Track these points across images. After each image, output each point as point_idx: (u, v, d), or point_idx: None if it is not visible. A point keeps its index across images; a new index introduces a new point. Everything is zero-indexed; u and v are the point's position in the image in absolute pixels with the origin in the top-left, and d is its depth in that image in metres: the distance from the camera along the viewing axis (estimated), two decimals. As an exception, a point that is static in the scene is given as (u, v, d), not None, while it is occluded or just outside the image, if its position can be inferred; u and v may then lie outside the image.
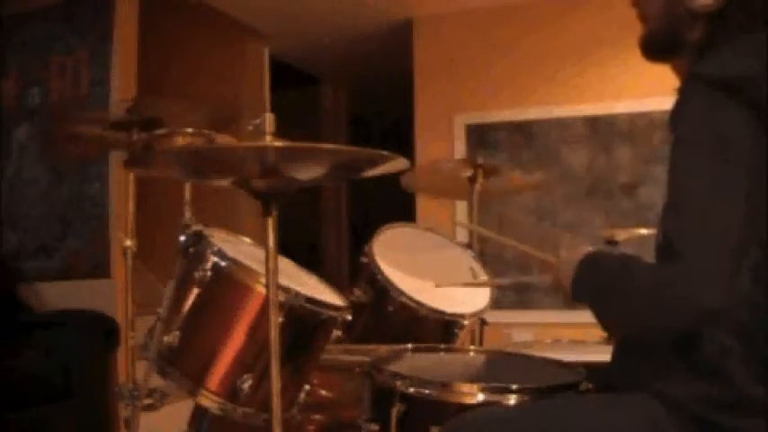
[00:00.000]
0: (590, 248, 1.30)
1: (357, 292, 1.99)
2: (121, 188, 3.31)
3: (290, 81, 5.37)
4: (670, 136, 1.17)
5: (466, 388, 1.32)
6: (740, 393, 1.09)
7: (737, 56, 1.15)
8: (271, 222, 1.34)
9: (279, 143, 1.27)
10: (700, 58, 1.22)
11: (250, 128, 1.31)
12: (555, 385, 1.35)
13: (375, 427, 1.37)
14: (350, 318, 1.70)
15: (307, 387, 1.66)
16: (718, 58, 1.17)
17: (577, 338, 2.27)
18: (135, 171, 2.10)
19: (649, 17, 1.33)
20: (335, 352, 1.79)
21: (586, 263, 1.26)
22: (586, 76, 4.06)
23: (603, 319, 1.22)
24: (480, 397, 1.30)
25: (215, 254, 1.60)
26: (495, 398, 1.30)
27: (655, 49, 1.33)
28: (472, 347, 1.95)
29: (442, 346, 1.88)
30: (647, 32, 1.33)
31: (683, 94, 1.16)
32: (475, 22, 4.38)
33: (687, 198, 1.09)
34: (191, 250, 1.65)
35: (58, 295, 3.49)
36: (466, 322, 2.01)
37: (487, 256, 3.85)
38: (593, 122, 4.09)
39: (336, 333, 1.69)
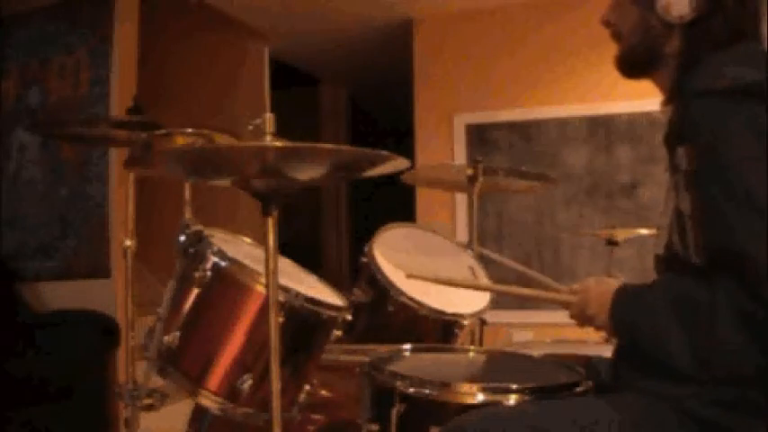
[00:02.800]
0: (616, 281, 1.28)
1: (357, 292, 1.99)
2: (121, 188, 3.32)
3: (290, 81, 5.37)
4: (684, 151, 1.14)
5: (466, 388, 1.32)
6: (741, 393, 1.09)
7: (740, 64, 1.15)
8: (271, 222, 1.34)
9: (279, 143, 1.27)
10: (688, 71, 1.21)
11: (250, 128, 1.31)
12: (555, 385, 1.34)
13: (375, 427, 1.37)
14: (350, 318, 1.70)
15: (307, 387, 1.66)
16: (722, 68, 1.15)
17: (578, 338, 2.27)
18: (135, 171, 2.10)
19: (624, 34, 1.32)
20: (335, 352, 1.79)
21: (625, 294, 1.23)
22: (586, 76, 4.06)
23: (665, 346, 1.13)
24: (480, 397, 1.30)
25: (215, 254, 1.60)
26: (495, 398, 1.30)
27: (632, 66, 1.33)
28: (472, 347, 1.95)
29: (442, 346, 1.88)
30: (623, 50, 1.33)
31: (697, 112, 1.12)
32: (475, 22, 4.38)
33: (752, 202, 1.04)
34: (191, 250, 1.65)
35: (57, 295, 3.49)
36: (466, 322, 2.01)
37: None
38: (594, 122, 4.09)
39: (336, 333, 1.69)
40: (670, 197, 1.21)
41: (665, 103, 1.30)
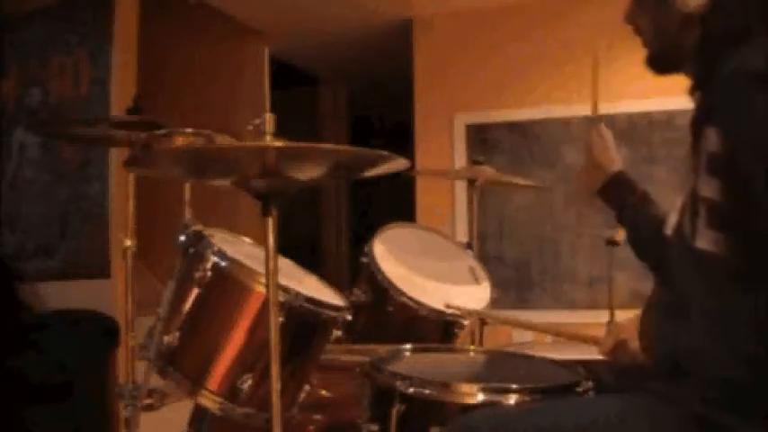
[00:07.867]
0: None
1: (357, 292, 1.99)
2: (121, 188, 3.31)
3: (290, 81, 5.36)
4: (711, 133, 1.11)
5: (466, 388, 1.32)
6: (741, 393, 1.09)
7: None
8: (271, 222, 1.34)
9: (279, 143, 1.27)
10: (714, 56, 1.20)
11: (250, 128, 1.31)
12: (555, 385, 1.35)
13: (375, 427, 1.37)
14: (350, 318, 1.70)
15: (307, 387, 1.66)
16: (750, 52, 1.14)
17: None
18: (135, 171, 2.10)
19: (644, 31, 1.33)
20: (335, 352, 1.79)
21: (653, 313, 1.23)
22: (586, 76, 4.05)
23: (710, 361, 1.09)
24: (480, 397, 1.30)
25: (215, 254, 1.60)
26: (495, 398, 1.30)
27: (661, 66, 1.34)
28: (472, 347, 1.95)
29: (442, 346, 1.88)
30: (651, 54, 1.34)
31: (727, 94, 1.09)
32: (475, 22, 4.38)
33: None
34: (191, 250, 1.65)
35: (58, 295, 3.48)
36: (466, 322, 2.01)
37: (487, 255, 3.86)
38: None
39: (336, 333, 1.69)
40: (688, 180, 1.19)
41: (692, 90, 1.29)
